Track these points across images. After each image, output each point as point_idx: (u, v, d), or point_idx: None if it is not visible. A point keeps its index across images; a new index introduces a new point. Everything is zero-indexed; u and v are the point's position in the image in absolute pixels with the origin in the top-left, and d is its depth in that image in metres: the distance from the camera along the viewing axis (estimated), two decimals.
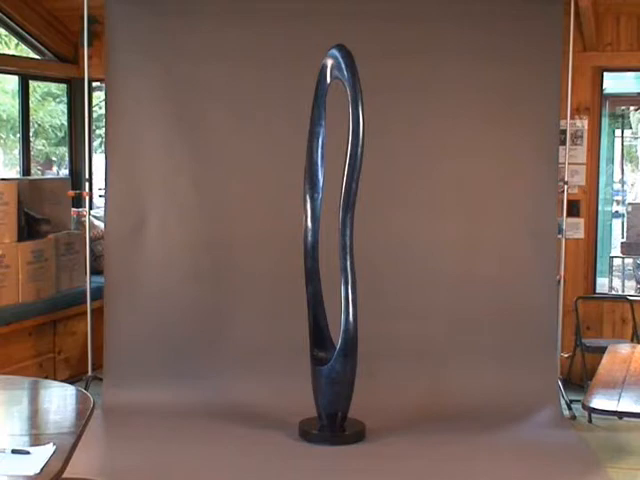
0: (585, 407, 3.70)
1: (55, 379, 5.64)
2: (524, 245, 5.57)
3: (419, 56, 5.55)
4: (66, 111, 7.59)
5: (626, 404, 3.62)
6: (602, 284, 7.18)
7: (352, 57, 4.87)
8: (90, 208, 6.16)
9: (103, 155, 6.14)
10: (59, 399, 3.36)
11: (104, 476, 4.36)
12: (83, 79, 5.79)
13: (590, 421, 5.44)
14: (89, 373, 5.74)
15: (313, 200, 5.21)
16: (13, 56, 7.65)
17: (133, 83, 5.66)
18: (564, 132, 5.78)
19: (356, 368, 5.04)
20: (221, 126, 5.69)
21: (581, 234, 6.30)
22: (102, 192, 6.15)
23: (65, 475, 2.52)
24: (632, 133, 10.12)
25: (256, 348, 5.62)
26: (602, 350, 4.72)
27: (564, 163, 5.78)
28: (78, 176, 7.07)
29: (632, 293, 8.13)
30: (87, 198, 6.09)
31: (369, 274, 5.24)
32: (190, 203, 5.74)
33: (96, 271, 5.99)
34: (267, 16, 5.60)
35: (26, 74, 6.96)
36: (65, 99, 7.73)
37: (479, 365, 5.33)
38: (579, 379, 6.05)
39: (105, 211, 5.83)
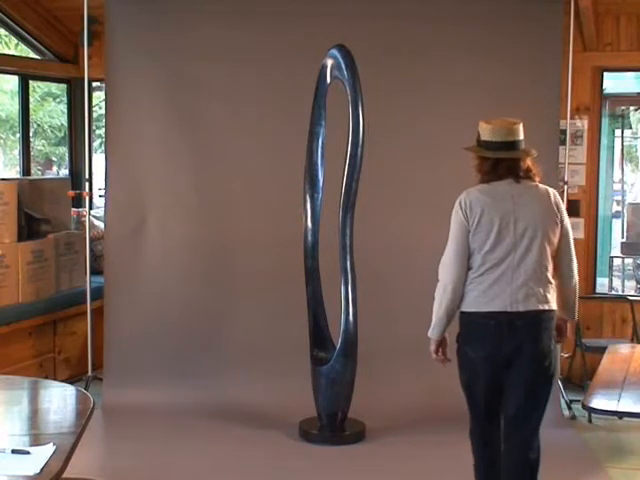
0: (585, 407, 3.70)
1: (55, 379, 5.64)
2: None
3: (419, 56, 5.55)
4: (66, 111, 7.59)
5: (626, 404, 3.62)
6: (602, 284, 7.17)
7: (352, 57, 4.87)
8: (90, 208, 6.17)
9: (103, 155, 6.14)
10: (59, 399, 3.37)
11: (104, 476, 4.36)
12: (83, 79, 5.78)
13: (590, 421, 5.44)
14: (89, 373, 5.74)
15: (313, 200, 5.21)
16: (13, 56, 7.65)
17: (133, 83, 5.67)
18: (564, 132, 5.78)
19: (356, 368, 5.05)
20: (221, 126, 5.69)
21: (581, 234, 6.29)
22: (102, 192, 6.15)
23: (65, 475, 2.52)
24: (632, 133, 10.11)
25: (256, 348, 5.61)
26: (602, 350, 4.71)
27: (564, 163, 5.78)
28: (78, 176, 7.07)
29: (632, 293, 8.12)
30: (87, 198, 6.09)
31: (369, 274, 5.24)
32: (190, 203, 5.74)
33: (96, 271, 5.98)
34: (267, 16, 5.60)
35: (26, 74, 6.95)
36: (65, 99, 7.73)
37: None
38: (579, 379, 6.05)
39: (105, 211, 5.83)
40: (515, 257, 3.55)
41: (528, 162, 3.66)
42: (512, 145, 3.60)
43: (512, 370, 3.58)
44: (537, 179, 3.68)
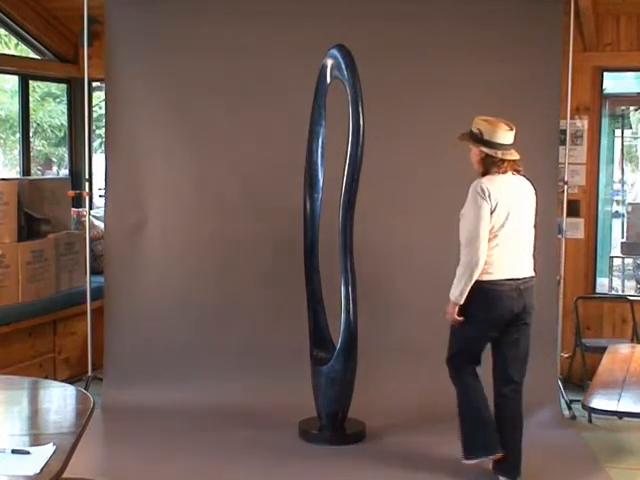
0: (585, 407, 3.71)
1: (55, 379, 5.63)
2: None
3: (419, 56, 5.55)
4: (66, 111, 7.59)
5: (626, 404, 3.62)
6: (602, 284, 7.18)
7: (352, 57, 4.87)
8: (90, 208, 6.16)
9: (103, 155, 6.14)
10: (59, 399, 3.37)
11: (104, 476, 4.36)
12: (83, 79, 5.78)
13: (590, 421, 5.44)
14: (89, 373, 5.74)
15: (313, 200, 5.21)
16: (13, 56, 7.65)
17: (133, 83, 5.66)
18: (564, 132, 5.78)
19: (356, 368, 5.05)
20: (221, 126, 5.69)
21: (581, 234, 6.30)
22: (102, 192, 6.15)
23: (65, 475, 2.52)
24: (632, 133, 10.11)
25: (256, 348, 5.61)
26: (602, 350, 4.72)
27: (564, 163, 5.78)
28: (78, 176, 7.07)
29: (632, 293, 8.13)
30: (87, 198, 6.08)
31: (369, 274, 5.24)
32: (190, 203, 5.74)
33: (96, 271, 5.98)
34: (267, 16, 5.60)
35: (26, 74, 6.95)
36: (65, 99, 7.73)
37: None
38: (579, 379, 6.05)
39: (105, 211, 5.83)
40: (519, 234, 4.38)
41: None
42: (510, 146, 4.38)
43: (512, 325, 4.37)
44: (522, 172, 4.49)
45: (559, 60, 5.53)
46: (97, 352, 5.77)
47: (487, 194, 4.26)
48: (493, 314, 4.33)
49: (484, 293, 4.30)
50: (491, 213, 4.27)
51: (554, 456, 4.86)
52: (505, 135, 4.33)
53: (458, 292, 4.30)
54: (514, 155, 4.36)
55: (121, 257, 5.74)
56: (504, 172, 4.35)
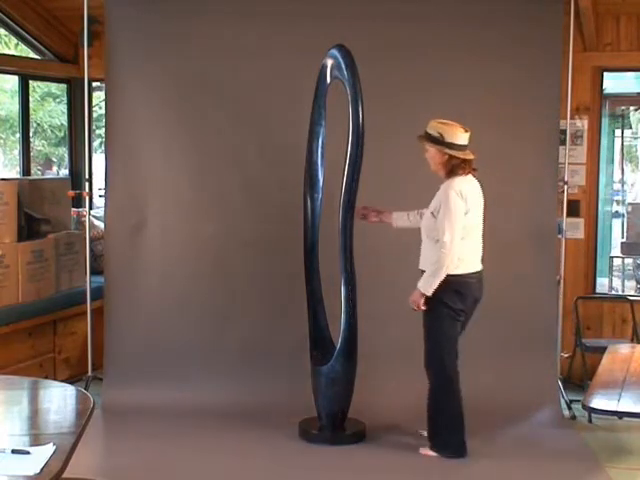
0: (585, 407, 3.71)
1: (55, 379, 5.63)
2: (524, 245, 5.56)
3: (419, 56, 5.55)
4: (66, 111, 7.59)
5: (626, 404, 3.62)
6: (602, 284, 7.18)
7: (352, 57, 4.87)
8: (90, 208, 6.16)
9: (103, 155, 6.14)
10: (59, 399, 3.37)
11: (104, 476, 4.36)
12: (83, 79, 5.79)
13: (590, 421, 5.44)
14: (89, 373, 5.74)
15: (313, 200, 5.21)
16: (13, 56, 7.65)
17: (133, 83, 5.66)
18: (564, 132, 5.78)
19: (356, 368, 5.05)
20: (221, 126, 5.69)
21: (581, 234, 6.30)
22: (102, 192, 6.15)
23: (65, 475, 2.52)
24: (632, 133, 10.12)
25: (256, 348, 5.62)
26: (602, 350, 4.72)
27: (564, 163, 5.78)
28: (78, 176, 7.07)
29: (632, 293, 8.13)
30: (87, 198, 6.08)
31: (369, 274, 5.24)
32: (190, 203, 5.74)
33: (96, 271, 5.98)
34: (267, 16, 5.60)
35: (26, 74, 6.95)
36: (65, 99, 7.73)
37: (479, 365, 5.32)
38: (579, 379, 6.05)
39: (105, 211, 5.83)
40: (478, 231, 4.73)
41: None
42: (467, 147, 4.64)
43: (469, 313, 4.79)
44: (475, 172, 4.75)
45: (559, 60, 5.53)
46: (97, 352, 5.77)
47: (464, 196, 4.57)
48: (466, 303, 4.70)
49: (458, 285, 4.63)
50: (465, 214, 4.57)
51: (554, 456, 4.86)
52: (463, 137, 4.60)
53: (429, 285, 4.60)
54: (471, 155, 4.63)
55: (121, 257, 5.74)
56: (467, 173, 4.65)
